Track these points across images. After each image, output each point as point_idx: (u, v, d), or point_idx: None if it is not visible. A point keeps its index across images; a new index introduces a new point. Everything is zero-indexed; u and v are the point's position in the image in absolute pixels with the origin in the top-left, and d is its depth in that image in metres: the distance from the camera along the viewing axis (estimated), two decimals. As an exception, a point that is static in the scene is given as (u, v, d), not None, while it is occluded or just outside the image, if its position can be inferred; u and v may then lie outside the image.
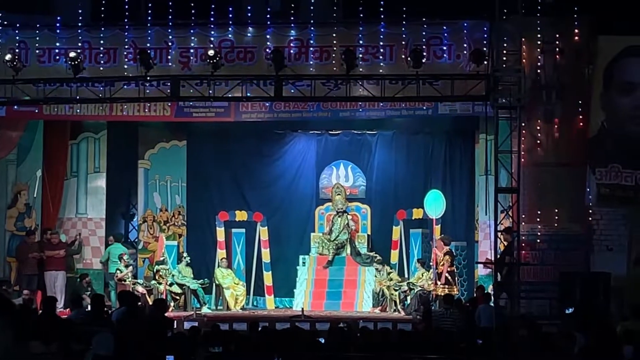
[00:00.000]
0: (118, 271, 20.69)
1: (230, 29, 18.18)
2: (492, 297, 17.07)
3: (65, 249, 20.98)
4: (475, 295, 18.71)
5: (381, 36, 17.88)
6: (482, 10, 17.43)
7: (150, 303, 19.25)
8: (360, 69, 17.72)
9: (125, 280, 20.55)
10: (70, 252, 21.29)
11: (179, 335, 12.99)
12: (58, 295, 19.54)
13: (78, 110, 20.27)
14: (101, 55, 18.34)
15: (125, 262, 20.82)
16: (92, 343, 10.66)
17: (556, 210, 17.52)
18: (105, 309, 15.24)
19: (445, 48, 17.86)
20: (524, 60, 17.15)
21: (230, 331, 13.16)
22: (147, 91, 18.24)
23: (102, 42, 18.33)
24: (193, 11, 18.15)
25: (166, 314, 15.80)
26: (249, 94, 18.38)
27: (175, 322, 16.84)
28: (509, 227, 17.30)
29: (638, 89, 17.72)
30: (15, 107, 19.23)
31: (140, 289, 20.54)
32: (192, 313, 19.83)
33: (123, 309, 14.36)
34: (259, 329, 13.53)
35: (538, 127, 17.71)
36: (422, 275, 20.67)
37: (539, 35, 17.61)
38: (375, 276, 21.53)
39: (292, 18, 18.33)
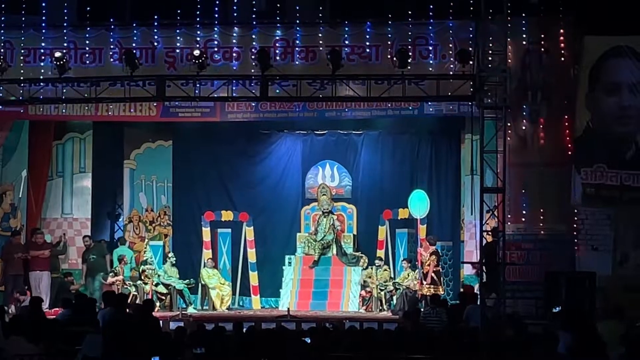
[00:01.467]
0: (112, 273, 20.65)
1: (216, 29, 18.15)
2: (478, 297, 17.09)
3: (50, 249, 20.94)
4: (463, 291, 18.71)
5: (367, 36, 17.88)
6: (468, 11, 17.45)
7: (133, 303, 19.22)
8: (346, 69, 17.71)
9: (112, 285, 20.49)
10: (55, 252, 21.22)
11: (165, 335, 12.95)
12: (43, 296, 19.48)
13: (64, 110, 20.25)
14: (87, 55, 18.29)
15: (124, 262, 20.80)
16: (81, 344, 10.65)
17: (542, 210, 17.53)
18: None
19: (431, 48, 17.85)
20: (509, 61, 17.14)
21: (219, 328, 13.07)
22: (133, 91, 18.20)
23: (87, 42, 18.28)
24: (179, 11, 18.14)
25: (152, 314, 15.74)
26: (234, 94, 18.37)
27: (161, 322, 16.80)
28: (494, 228, 17.31)
29: (623, 89, 17.76)
30: (1, 107, 19.16)
31: (128, 288, 20.53)
32: (177, 313, 19.81)
33: (109, 309, 14.34)
34: (245, 329, 13.51)
35: (524, 127, 17.73)
36: (408, 275, 20.67)
37: (524, 36, 17.63)
38: (370, 268, 21.45)
39: (277, 18, 18.32)
